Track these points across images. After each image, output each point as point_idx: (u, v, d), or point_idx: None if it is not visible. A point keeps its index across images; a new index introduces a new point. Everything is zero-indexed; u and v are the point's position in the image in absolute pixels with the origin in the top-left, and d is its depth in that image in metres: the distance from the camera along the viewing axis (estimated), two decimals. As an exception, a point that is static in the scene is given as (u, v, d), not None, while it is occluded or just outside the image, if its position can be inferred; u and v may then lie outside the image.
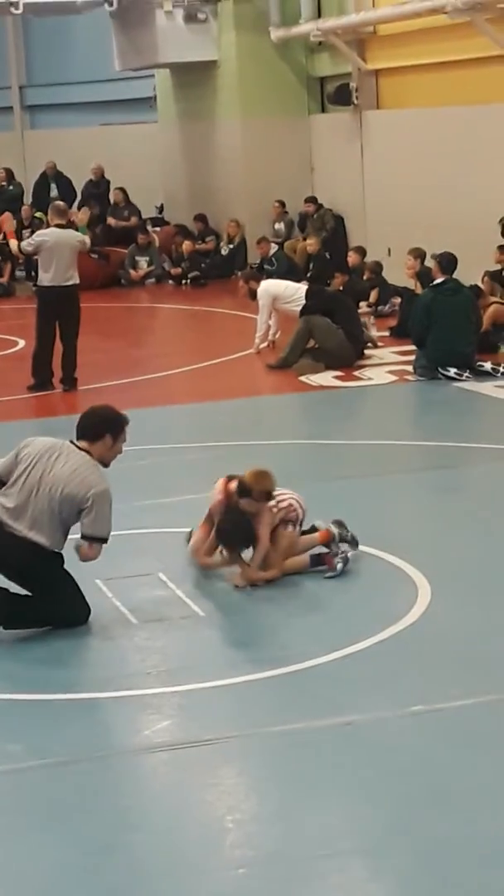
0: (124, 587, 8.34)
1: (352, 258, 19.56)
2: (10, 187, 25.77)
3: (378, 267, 18.86)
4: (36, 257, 15.04)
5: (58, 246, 14.43)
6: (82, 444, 7.78)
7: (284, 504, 8.58)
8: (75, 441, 7.83)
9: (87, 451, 7.76)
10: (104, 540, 7.72)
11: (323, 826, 5.56)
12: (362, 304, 17.82)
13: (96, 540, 7.69)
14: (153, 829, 5.60)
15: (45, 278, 14.55)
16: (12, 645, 7.60)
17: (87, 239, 15.52)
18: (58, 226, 14.79)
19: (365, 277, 18.78)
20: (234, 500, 8.45)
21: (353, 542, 8.70)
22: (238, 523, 8.42)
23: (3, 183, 25.78)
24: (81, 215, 19.19)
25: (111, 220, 24.76)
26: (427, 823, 5.52)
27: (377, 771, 5.98)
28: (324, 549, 8.61)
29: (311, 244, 20.87)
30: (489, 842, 5.35)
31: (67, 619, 7.76)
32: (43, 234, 14.84)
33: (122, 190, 25.06)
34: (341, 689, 6.86)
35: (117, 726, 6.66)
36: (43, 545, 7.67)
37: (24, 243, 15.16)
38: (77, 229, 16.54)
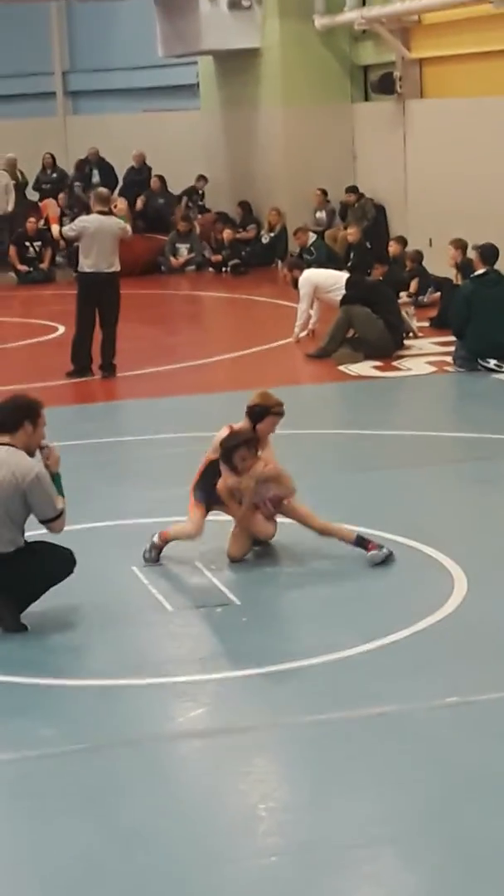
0: (160, 574, 8.36)
1: (392, 248, 19.50)
2: (54, 174, 25.80)
3: (419, 256, 18.80)
4: (77, 243, 15.04)
5: (100, 232, 14.49)
6: (3, 437, 7.62)
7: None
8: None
9: (10, 444, 7.60)
10: (57, 517, 7.61)
11: (356, 815, 5.56)
12: (402, 294, 17.77)
13: (51, 521, 7.61)
14: (185, 815, 5.62)
15: (87, 264, 14.60)
16: (46, 631, 7.62)
17: (128, 227, 15.52)
18: (100, 212, 14.81)
19: (407, 267, 18.73)
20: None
21: (390, 556, 8.56)
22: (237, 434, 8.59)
23: (48, 169, 25.83)
24: (120, 204, 19.21)
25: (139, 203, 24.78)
26: (460, 814, 5.52)
27: (411, 761, 5.98)
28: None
29: (352, 234, 20.80)
30: (522, 835, 5.34)
31: (56, 572, 7.68)
32: (85, 221, 14.87)
33: (160, 177, 25.07)
34: (376, 680, 6.85)
35: (151, 713, 6.66)
36: (7, 552, 7.58)
37: (65, 228, 15.18)
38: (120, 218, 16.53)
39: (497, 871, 5.10)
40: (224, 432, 8.75)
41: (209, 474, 8.76)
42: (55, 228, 15.80)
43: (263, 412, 8.66)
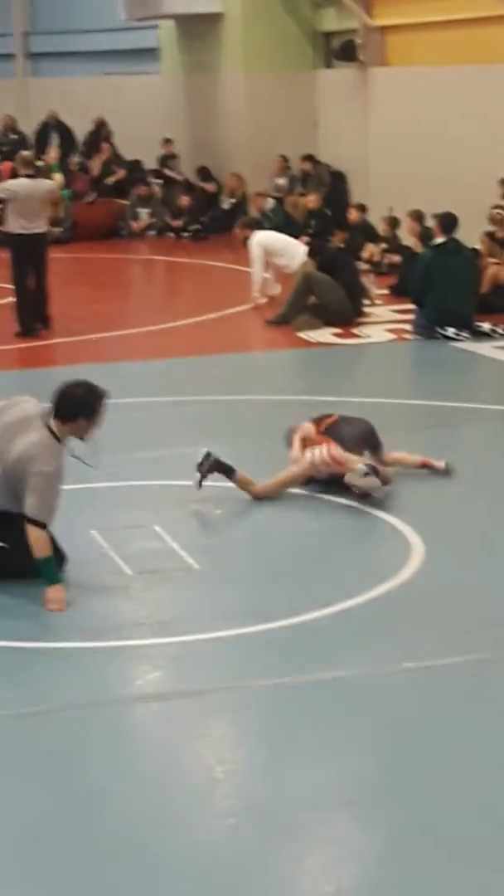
0: (119, 538, 8.36)
1: (352, 215, 19.50)
2: (14, 136, 25.59)
3: (395, 222, 18.67)
4: (1, 206, 15.28)
5: (29, 196, 14.79)
6: (55, 423, 7.49)
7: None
8: (49, 416, 7.52)
9: (53, 432, 7.49)
10: (43, 525, 7.39)
11: (312, 778, 5.60)
12: (361, 264, 17.77)
13: (35, 524, 7.38)
14: (142, 778, 5.64)
15: (17, 226, 14.81)
16: (4, 594, 7.61)
17: (58, 178, 15.75)
18: (27, 176, 15.06)
19: (381, 230, 18.69)
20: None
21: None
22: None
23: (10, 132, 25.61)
24: (53, 153, 19.17)
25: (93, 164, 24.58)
26: (415, 778, 5.57)
27: (366, 726, 6.03)
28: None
29: (311, 200, 20.81)
30: (476, 796, 5.41)
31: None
32: (14, 185, 15.10)
33: (112, 145, 24.91)
34: (333, 645, 6.90)
35: (109, 676, 6.68)
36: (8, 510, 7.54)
37: None
38: (50, 169, 16.70)
39: (451, 834, 5.15)
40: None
41: None
42: None
43: None
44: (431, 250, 14.63)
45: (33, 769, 5.74)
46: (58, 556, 7.63)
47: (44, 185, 15.21)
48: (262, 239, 16.27)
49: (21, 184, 14.99)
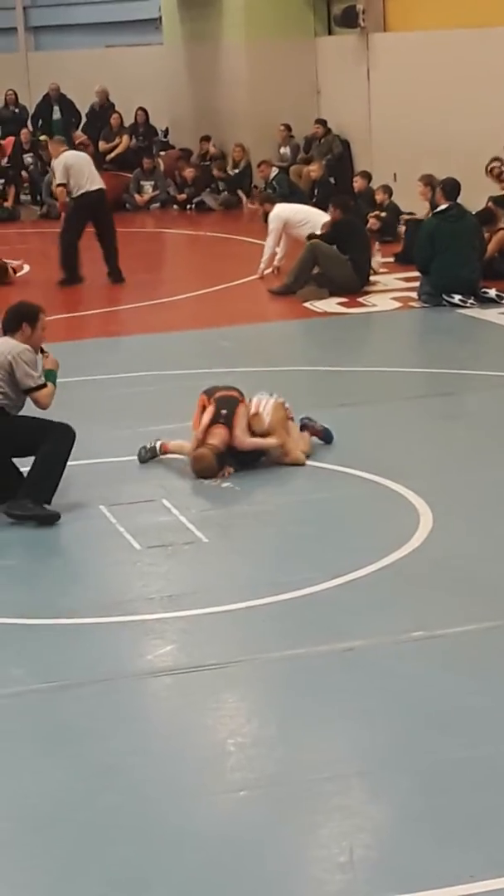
0: (127, 513, 8.37)
1: (357, 183, 19.42)
2: (17, 110, 25.52)
3: (389, 191, 18.63)
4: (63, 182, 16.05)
5: (77, 161, 16.13)
6: (6, 337, 8.65)
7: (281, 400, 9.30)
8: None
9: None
10: (35, 389, 8.46)
11: (323, 749, 5.62)
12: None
13: (31, 390, 8.46)
14: (155, 752, 5.66)
15: (80, 186, 15.87)
16: (14, 571, 7.65)
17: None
18: (67, 150, 16.56)
19: (378, 199, 18.61)
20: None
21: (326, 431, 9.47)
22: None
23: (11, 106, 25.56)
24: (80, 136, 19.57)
25: (102, 144, 24.52)
26: (426, 747, 5.59)
27: (377, 696, 6.04)
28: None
29: (314, 170, 20.70)
30: (487, 765, 5.42)
31: (60, 440, 8.34)
32: (64, 160, 16.07)
33: (119, 114, 24.84)
34: (343, 615, 6.90)
35: (120, 651, 6.70)
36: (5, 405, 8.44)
37: (56, 183, 16.36)
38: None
39: (462, 802, 5.17)
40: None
41: None
42: (59, 191, 16.51)
43: None
44: (435, 217, 14.57)
45: (46, 745, 5.76)
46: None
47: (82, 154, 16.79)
48: (283, 212, 16.16)
49: (67, 156, 16.20)
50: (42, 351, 8.71)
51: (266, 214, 16.37)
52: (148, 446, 9.30)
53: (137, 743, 5.74)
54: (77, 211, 16.06)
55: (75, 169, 15.94)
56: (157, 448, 9.29)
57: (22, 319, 8.63)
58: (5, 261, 16.61)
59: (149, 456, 9.28)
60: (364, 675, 6.25)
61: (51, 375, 8.64)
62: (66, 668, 6.47)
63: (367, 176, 19.54)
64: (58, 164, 16.14)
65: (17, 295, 15.24)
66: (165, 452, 9.27)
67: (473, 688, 6.09)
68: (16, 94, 25.72)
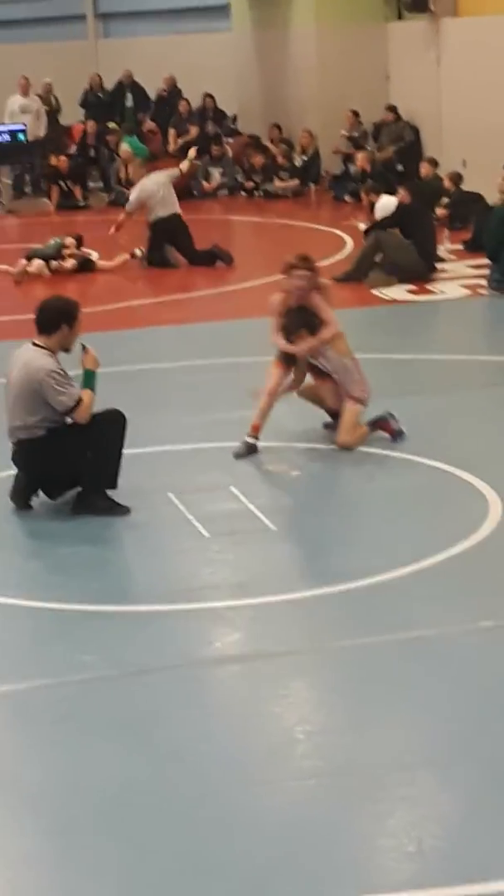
0: (196, 500, 8.39)
1: (424, 169, 19.32)
2: (101, 94, 25.52)
3: (459, 178, 18.53)
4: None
5: (153, 188, 16.74)
6: (41, 339, 8.24)
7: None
8: (35, 339, 8.29)
9: (44, 347, 8.22)
10: (73, 408, 8.07)
11: (392, 738, 5.62)
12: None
13: (71, 410, 8.08)
14: (223, 739, 5.68)
15: (155, 214, 16.69)
16: (84, 559, 7.69)
17: (180, 169, 17.47)
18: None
19: (446, 186, 18.50)
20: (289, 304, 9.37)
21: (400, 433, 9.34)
22: (298, 311, 9.31)
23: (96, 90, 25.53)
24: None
25: (171, 133, 24.54)
26: (494, 736, 5.57)
27: (446, 685, 6.02)
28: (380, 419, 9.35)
29: (382, 156, 20.58)
30: None
31: (108, 426, 8.18)
32: (143, 188, 16.85)
33: (187, 101, 24.83)
34: (411, 604, 6.89)
35: (189, 638, 6.72)
36: (32, 427, 8.15)
37: (125, 211, 17.08)
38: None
39: (532, 792, 5.15)
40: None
41: None
42: (121, 219, 17.30)
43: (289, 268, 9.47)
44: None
45: (115, 731, 5.79)
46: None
47: (165, 174, 17.10)
48: (390, 203, 16.02)
49: (147, 182, 16.91)
50: (83, 348, 8.30)
51: (372, 205, 16.29)
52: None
53: (206, 729, 5.76)
54: (155, 235, 16.75)
55: (150, 197, 16.59)
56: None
57: (61, 320, 8.19)
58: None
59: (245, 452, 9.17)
60: (432, 664, 6.23)
61: (90, 378, 8.20)
62: (135, 655, 6.49)
63: (434, 162, 19.42)
64: (134, 190, 16.98)
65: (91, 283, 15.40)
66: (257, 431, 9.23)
67: (543, 678, 6.05)
68: (101, 80, 25.66)
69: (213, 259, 16.68)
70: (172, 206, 16.72)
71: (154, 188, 16.70)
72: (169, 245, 16.76)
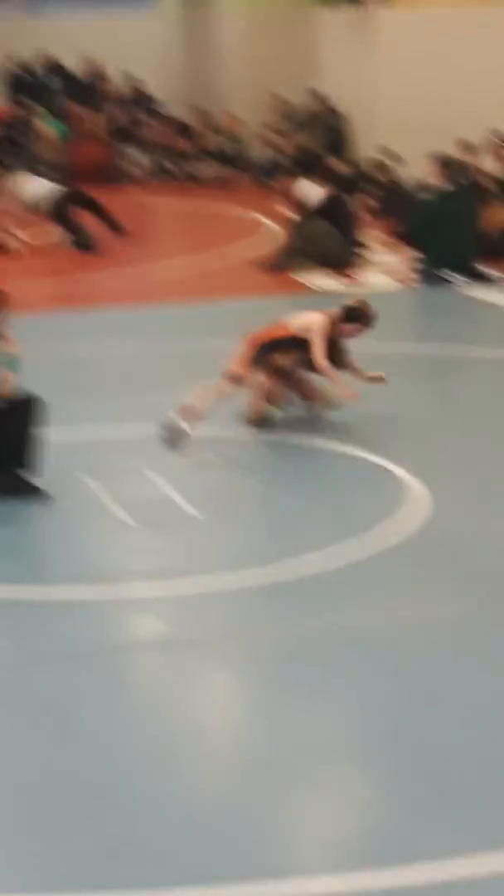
0: (115, 486, 8.22)
1: (347, 156, 19.25)
2: (22, 74, 25.22)
3: (388, 169, 18.54)
4: None
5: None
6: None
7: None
8: None
9: None
10: None
11: (315, 729, 5.52)
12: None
13: None
14: (144, 728, 5.56)
15: None
16: (2, 544, 7.51)
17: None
18: None
19: (376, 176, 18.50)
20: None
21: None
22: None
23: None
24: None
25: (93, 114, 24.36)
26: (419, 728, 5.50)
27: (370, 675, 5.95)
28: None
29: (305, 142, 20.57)
30: (480, 746, 5.34)
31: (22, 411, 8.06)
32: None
33: (112, 83, 24.65)
34: (336, 595, 6.80)
35: (110, 625, 6.59)
36: None
37: None
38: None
39: (457, 782, 5.08)
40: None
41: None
42: None
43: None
44: (433, 195, 14.51)
45: (33, 719, 5.66)
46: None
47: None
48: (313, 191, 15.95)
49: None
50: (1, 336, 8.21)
51: (290, 191, 16.21)
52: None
53: (126, 718, 5.64)
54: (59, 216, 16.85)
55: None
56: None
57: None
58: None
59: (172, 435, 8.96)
60: (357, 654, 6.15)
61: (11, 361, 8.15)
62: (55, 642, 6.34)
63: (360, 150, 19.37)
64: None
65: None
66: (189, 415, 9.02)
67: (467, 670, 5.98)
68: (22, 59, 25.25)
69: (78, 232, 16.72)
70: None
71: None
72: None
